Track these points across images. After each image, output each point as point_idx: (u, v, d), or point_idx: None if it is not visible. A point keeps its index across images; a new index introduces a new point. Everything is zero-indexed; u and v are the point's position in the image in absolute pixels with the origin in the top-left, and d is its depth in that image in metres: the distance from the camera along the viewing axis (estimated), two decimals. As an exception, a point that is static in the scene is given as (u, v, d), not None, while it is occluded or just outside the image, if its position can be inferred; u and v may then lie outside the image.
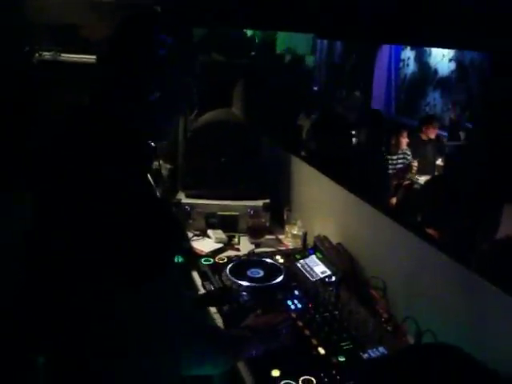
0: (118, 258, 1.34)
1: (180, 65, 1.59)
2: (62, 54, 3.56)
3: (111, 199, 1.36)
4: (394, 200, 5.63)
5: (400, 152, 5.99)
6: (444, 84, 8.80)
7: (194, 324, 1.62)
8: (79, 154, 1.42)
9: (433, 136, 6.66)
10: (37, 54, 3.52)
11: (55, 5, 3.78)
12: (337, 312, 2.28)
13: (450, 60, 8.65)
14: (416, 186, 5.82)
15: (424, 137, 6.64)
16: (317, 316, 2.26)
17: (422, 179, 5.93)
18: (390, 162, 5.87)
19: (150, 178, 1.57)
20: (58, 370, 1.47)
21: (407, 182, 5.98)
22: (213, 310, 2.41)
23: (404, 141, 6.00)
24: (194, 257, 2.88)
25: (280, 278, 2.52)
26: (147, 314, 1.41)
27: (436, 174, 6.13)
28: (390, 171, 5.81)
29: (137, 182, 1.45)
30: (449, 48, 7.94)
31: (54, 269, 1.40)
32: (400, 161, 6.02)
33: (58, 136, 1.55)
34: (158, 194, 1.61)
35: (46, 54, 3.55)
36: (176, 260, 2.82)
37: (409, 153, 6.12)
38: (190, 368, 1.63)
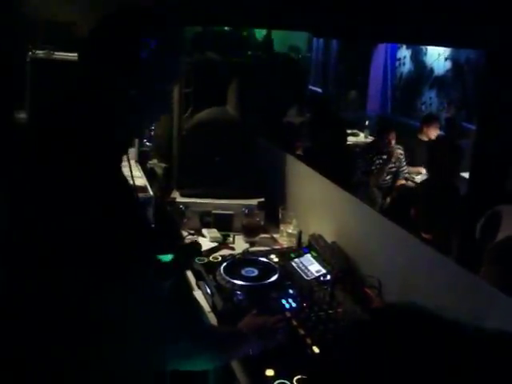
0: (90, 254, 1.33)
1: (160, 69, 1.55)
2: (56, 53, 3.54)
3: (81, 196, 1.34)
4: (389, 199, 5.64)
5: (393, 160, 5.92)
6: (440, 83, 8.81)
7: (183, 319, 1.61)
8: (52, 151, 1.40)
9: (433, 136, 6.51)
10: (30, 53, 3.51)
11: (49, 2, 3.77)
12: (332, 311, 2.27)
13: (446, 59, 8.66)
14: (411, 184, 5.83)
15: (424, 137, 6.53)
16: (312, 315, 2.25)
17: (418, 178, 5.93)
18: (377, 161, 5.84)
19: (123, 173, 1.53)
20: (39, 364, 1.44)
21: (402, 182, 5.99)
22: (207, 308, 2.41)
23: (393, 141, 5.94)
24: (195, 250, 2.86)
25: (275, 277, 2.50)
26: (126, 308, 1.40)
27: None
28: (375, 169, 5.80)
29: (107, 177, 1.43)
30: (444, 46, 7.94)
31: (32, 267, 1.38)
32: (393, 168, 5.97)
33: (31, 135, 1.55)
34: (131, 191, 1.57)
35: (40, 53, 3.54)
36: (169, 259, 2.83)
37: (403, 159, 6.08)
38: (178, 363, 1.63)
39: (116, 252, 1.36)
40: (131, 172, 1.77)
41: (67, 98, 1.54)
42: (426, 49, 9.15)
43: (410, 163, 6.22)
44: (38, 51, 3.55)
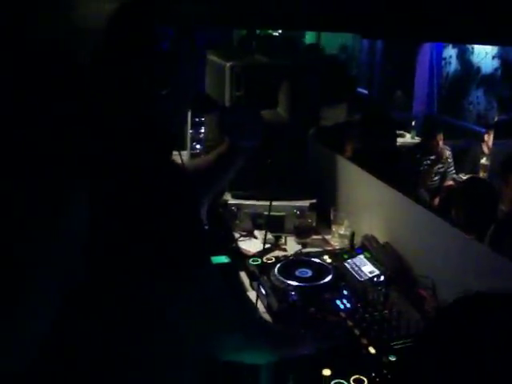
0: (154, 253, 1.34)
1: (184, 57, 1.50)
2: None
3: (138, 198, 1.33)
4: (437, 199, 5.60)
5: (443, 161, 5.87)
6: (488, 82, 8.69)
7: (239, 311, 1.62)
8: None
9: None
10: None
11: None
12: (386, 312, 2.28)
13: (494, 57, 8.54)
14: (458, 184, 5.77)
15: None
16: (366, 316, 2.26)
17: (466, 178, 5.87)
18: (425, 161, 5.80)
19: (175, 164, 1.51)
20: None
21: (450, 183, 5.93)
22: (262, 309, 2.44)
23: (440, 142, 5.89)
24: (241, 257, 2.91)
25: (328, 278, 2.52)
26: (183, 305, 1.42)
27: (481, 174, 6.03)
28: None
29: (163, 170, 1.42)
30: (492, 45, 7.83)
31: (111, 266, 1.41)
32: (441, 169, 5.92)
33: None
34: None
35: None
36: (223, 260, 2.87)
37: (451, 159, 6.03)
38: (231, 354, 1.65)
39: (178, 251, 1.39)
40: None
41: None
42: (473, 48, 9.03)
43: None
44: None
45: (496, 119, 7.58)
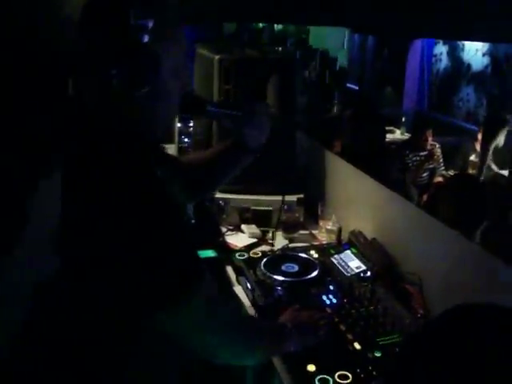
0: (138, 250, 1.28)
1: (166, 51, 1.39)
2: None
3: (119, 199, 1.28)
4: (427, 195, 5.60)
5: (431, 159, 5.87)
6: (478, 79, 8.70)
7: (222, 309, 1.57)
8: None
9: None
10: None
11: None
12: (372, 307, 2.27)
13: (484, 54, 8.56)
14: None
15: (478, 147, 6.06)
16: (352, 311, 2.25)
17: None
18: (414, 158, 5.81)
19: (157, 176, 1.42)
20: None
21: (439, 179, 5.94)
22: (247, 304, 2.42)
23: (430, 138, 5.89)
24: (228, 251, 2.89)
25: (315, 273, 2.51)
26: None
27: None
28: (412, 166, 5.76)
29: (143, 176, 1.35)
30: (482, 41, 7.85)
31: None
32: (430, 165, 5.93)
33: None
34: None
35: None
36: (209, 255, 2.86)
37: (440, 156, 6.04)
38: (216, 354, 1.58)
39: (161, 248, 1.34)
40: None
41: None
42: (463, 44, 9.05)
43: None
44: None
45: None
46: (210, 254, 2.88)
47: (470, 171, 5.91)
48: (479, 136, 6.21)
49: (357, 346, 2.04)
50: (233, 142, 2.13)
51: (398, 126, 7.99)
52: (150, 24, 1.32)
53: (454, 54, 9.35)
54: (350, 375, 1.87)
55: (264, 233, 3.11)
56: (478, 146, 6.17)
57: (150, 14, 1.33)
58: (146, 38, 1.32)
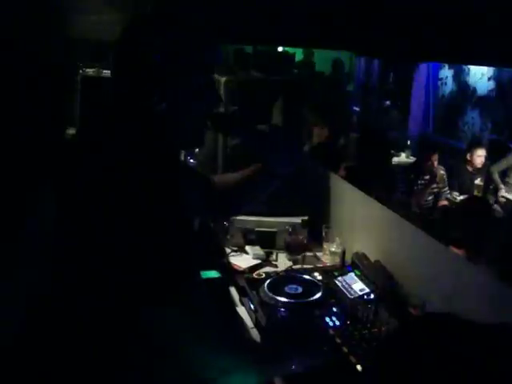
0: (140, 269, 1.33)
1: (183, 66, 1.50)
2: (105, 71, 3.62)
3: (131, 209, 1.34)
4: (432, 218, 5.60)
5: (437, 181, 5.89)
6: (483, 103, 8.72)
7: (225, 333, 1.61)
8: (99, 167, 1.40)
9: (479, 164, 6.25)
10: (80, 71, 3.59)
11: (99, 22, 3.86)
12: (375, 329, 2.27)
13: (489, 79, 8.58)
14: (453, 204, 5.78)
15: (470, 168, 6.26)
16: (355, 333, 2.24)
17: (461, 198, 5.87)
18: (420, 181, 5.82)
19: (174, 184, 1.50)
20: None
21: (444, 203, 5.94)
22: (250, 324, 2.42)
23: (435, 162, 5.91)
24: (231, 272, 2.90)
25: (318, 295, 2.51)
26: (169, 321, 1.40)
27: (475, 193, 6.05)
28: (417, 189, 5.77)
29: (157, 187, 1.41)
30: (488, 65, 7.87)
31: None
32: (435, 189, 5.94)
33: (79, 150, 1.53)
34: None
35: (89, 71, 3.62)
36: (213, 275, 2.85)
37: (445, 179, 6.06)
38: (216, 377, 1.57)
39: (166, 264, 1.36)
40: None
41: (108, 114, 1.56)
42: (469, 68, 9.08)
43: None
44: (87, 69, 3.63)
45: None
46: (213, 274, 2.88)
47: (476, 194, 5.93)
48: (468, 156, 6.26)
49: (359, 368, 2.03)
50: (261, 166, 2.08)
51: (403, 149, 8.01)
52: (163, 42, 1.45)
53: (460, 78, 9.37)
54: (352, 397, 1.86)
55: (268, 254, 3.11)
56: (469, 168, 6.23)
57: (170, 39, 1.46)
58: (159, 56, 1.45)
